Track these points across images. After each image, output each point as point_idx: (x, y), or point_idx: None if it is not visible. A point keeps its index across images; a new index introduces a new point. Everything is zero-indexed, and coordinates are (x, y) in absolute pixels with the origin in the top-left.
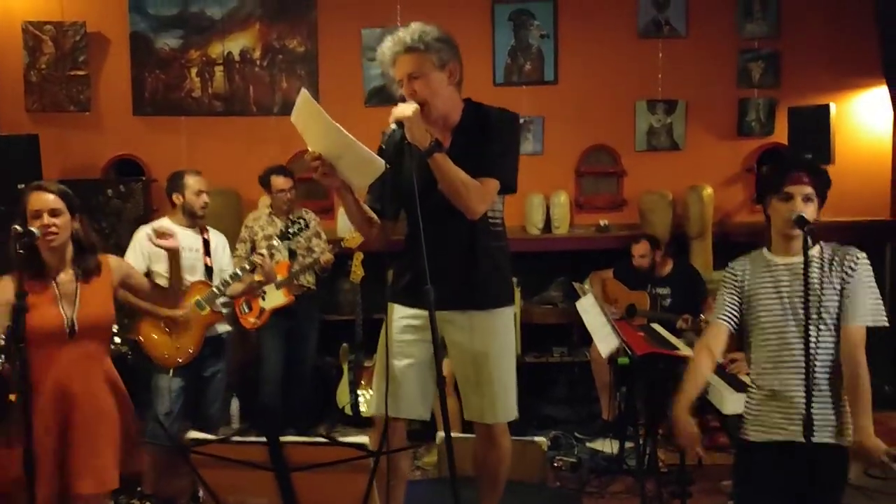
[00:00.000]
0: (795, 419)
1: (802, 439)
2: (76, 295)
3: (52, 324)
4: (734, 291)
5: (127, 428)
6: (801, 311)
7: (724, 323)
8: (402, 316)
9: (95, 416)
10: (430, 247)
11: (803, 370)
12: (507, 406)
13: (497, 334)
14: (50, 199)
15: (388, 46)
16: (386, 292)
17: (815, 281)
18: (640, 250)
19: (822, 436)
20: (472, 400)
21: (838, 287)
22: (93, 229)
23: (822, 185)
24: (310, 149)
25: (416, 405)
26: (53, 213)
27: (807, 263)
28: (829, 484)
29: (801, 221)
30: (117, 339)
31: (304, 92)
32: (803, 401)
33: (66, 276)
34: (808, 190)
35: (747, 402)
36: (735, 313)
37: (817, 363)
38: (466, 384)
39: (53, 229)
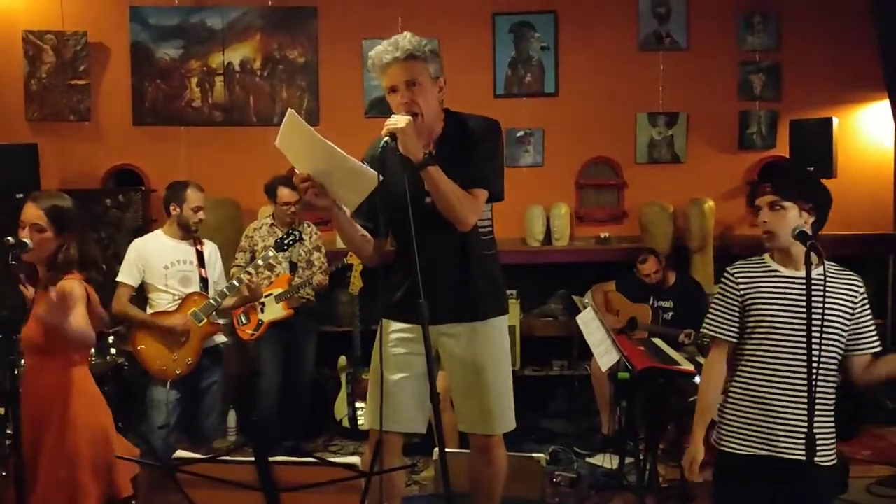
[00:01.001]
0: (780, 435)
1: (783, 455)
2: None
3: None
4: (735, 303)
5: (93, 447)
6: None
7: (733, 341)
8: (395, 330)
9: (39, 428)
10: (422, 259)
11: (797, 386)
12: (504, 416)
13: (493, 344)
14: (35, 215)
15: (386, 51)
16: (379, 307)
17: (820, 300)
18: (651, 267)
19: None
20: (467, 410)
21: (847, 312)
22: (81, 250)
23: (794, 192)
24: (297, 170)
25: (412, 419)
26: (34, 228)
27: (809, 277)
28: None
29: (802, 236)
30: (112, 350)
31: (290, 112)
32: (790, 417)
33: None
34: (772, 198)
35: (726, 408)
36: (738, 329)
37: (820, 382)
38: (462, 395)
39: (29, 244)
